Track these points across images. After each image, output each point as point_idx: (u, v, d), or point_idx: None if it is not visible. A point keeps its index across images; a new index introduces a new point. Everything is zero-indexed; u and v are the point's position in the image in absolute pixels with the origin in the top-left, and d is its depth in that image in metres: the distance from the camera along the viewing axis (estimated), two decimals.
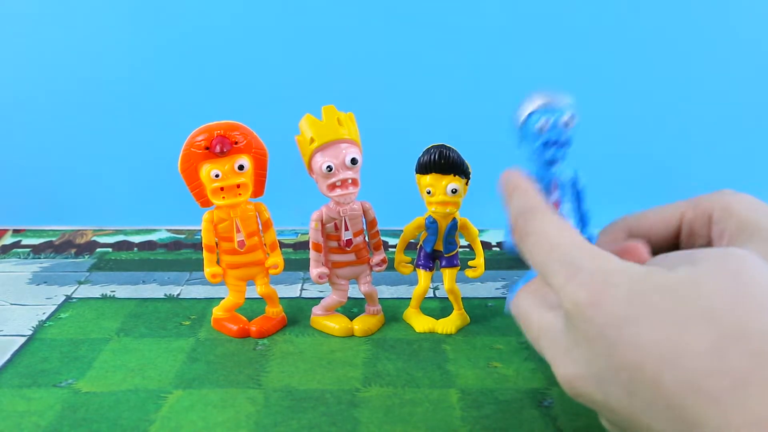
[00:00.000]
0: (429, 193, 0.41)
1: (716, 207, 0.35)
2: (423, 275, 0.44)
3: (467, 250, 0.44)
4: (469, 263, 0.43)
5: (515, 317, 0.30)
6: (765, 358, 0.21)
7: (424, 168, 0.40)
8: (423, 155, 0.40)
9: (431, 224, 0.42)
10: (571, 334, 0.25)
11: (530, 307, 0.29)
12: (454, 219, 0.42)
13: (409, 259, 0.45)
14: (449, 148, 0.40)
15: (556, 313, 0.27)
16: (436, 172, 0.40)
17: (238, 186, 0.40)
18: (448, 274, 0.44)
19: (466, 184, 0.41)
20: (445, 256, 0.43)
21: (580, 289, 0.25)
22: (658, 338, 0.22)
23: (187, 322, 0.45)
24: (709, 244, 0.35)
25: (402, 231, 0.44)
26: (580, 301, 0.25)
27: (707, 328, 0.22)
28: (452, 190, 0.40)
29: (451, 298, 0.44)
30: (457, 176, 0.40)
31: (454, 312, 0.44)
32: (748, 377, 0.20)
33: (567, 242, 0.27)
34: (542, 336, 0.28)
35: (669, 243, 0.36)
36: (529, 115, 0.40)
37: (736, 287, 0.22)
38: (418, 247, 0.44)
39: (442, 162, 0.40)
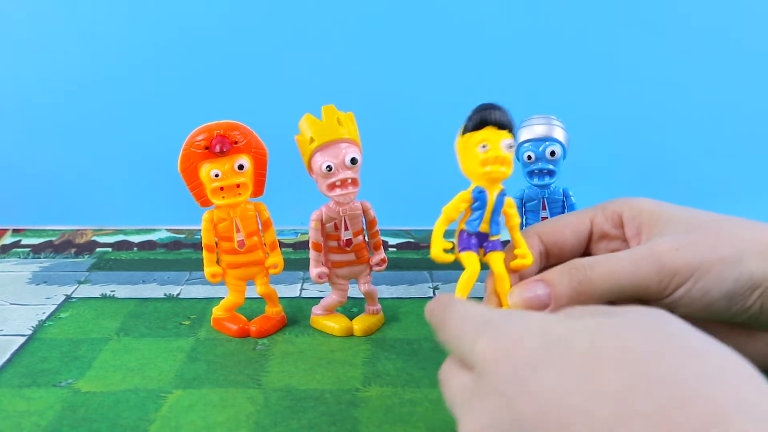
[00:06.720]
0: (484, 147, 0.35)
1: (625, 208, 0.36)
2: (472, 258, 0.37)
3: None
4: (515, 252, 0.37)
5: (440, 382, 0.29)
6: (678, 403, 0.20)
7: (481, 122, 0.36)
8: (477, 111, 0.36)
9: (479, 194, 0.36)
10: (479, 389, 0.25)
11: (449, 371, 0.28)
12: (503, 191, 0.37)
13: (450, 245, 0.37)
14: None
15: (471, 372, 0.26)
16: (493, 125, 0.36)
17: (238, 186, 0.40)
18: (497, 258, 0.37)
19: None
20: (491, 239, 0.37)
21: (489, 341, 0.25)
22: (569, 386, 0.22)
23: (187, 322, 0.45)
24: (622, 243, 0.36)
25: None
26: (487, 354, 0.25)
27: (620, 370, 0.21)
28: (508, 145, 0.36)
29: (499, 287, 0.37)
30: (510, 134, 0.36)
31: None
32: (658, 423, 0.19)
33: (478, 311, 0.27)
34: (456, 395, 0.27)
35: (577, 248, 0.38)
36: (521, 143, 0.44)
37: (654, 332, 0.22)
38: (458, 232, 0.38)
39: (500, 116, 0.36)
